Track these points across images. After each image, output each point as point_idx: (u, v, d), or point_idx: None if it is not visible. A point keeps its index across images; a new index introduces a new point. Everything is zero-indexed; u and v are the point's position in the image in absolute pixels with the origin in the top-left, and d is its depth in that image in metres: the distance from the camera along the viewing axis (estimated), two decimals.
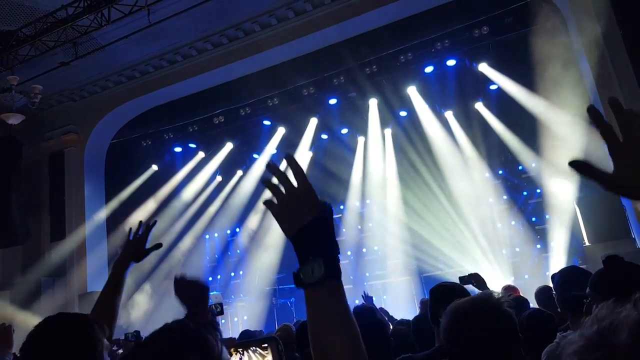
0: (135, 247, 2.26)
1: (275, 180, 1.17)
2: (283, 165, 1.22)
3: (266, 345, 1.65)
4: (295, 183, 1.15)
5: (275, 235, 12.64)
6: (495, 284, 7.98)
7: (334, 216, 1.17)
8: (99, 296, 2.27)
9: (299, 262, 1.11)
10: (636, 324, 0.62)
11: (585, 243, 9.15)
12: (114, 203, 11.83)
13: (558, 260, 10.08)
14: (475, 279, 4.81)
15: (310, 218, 1.11)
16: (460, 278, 5.47)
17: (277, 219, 1.16)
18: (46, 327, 1.65)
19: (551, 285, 4.37)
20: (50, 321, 1.67)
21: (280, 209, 1.15)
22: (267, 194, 1.17)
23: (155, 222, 2.36)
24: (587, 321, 0.74)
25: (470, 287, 4.18)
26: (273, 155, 12.49)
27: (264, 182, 1.17)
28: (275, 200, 1.16)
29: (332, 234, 1.13)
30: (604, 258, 2.40)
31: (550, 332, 3.22)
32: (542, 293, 4.85)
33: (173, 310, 2.30)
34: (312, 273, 1.08)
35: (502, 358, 1.74)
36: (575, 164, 1.02)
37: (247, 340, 1.71)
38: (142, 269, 11.04)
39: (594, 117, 1.05)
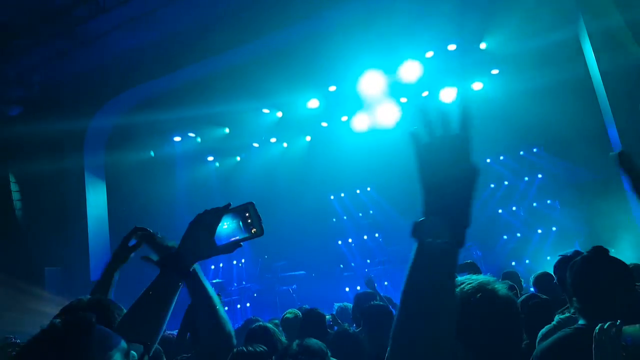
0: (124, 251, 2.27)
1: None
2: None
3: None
4: (455, 128, 1.00)
5: (276, 222, 12.66)
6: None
7: None
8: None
9: (425, 213, 1.00)
10: None
11: None
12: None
13: (559, 245, 10.08)
14: (472, 268, 4.78)
15: (458, 173, 0.99)
16: None
17: (419, 160, 1.01)
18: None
19: (550, 270, 4.38)
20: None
21: (428, 150, 1.00)
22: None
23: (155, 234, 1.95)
24: None
25: None
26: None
27: (421, 111, 1.02)
28: (425, 138, 1.01)
29: (471, 200, 1.00)
30: (590, 249, 2.37)
31: (547, 315, 3.29)
32: (542, 278, 4.85)
33: None
34: (435, 232, 0.97)
35: (514, 345, 1.67)
36: (620, 156, 1.13)
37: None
38: None
39: (623, 165, 1.14)
